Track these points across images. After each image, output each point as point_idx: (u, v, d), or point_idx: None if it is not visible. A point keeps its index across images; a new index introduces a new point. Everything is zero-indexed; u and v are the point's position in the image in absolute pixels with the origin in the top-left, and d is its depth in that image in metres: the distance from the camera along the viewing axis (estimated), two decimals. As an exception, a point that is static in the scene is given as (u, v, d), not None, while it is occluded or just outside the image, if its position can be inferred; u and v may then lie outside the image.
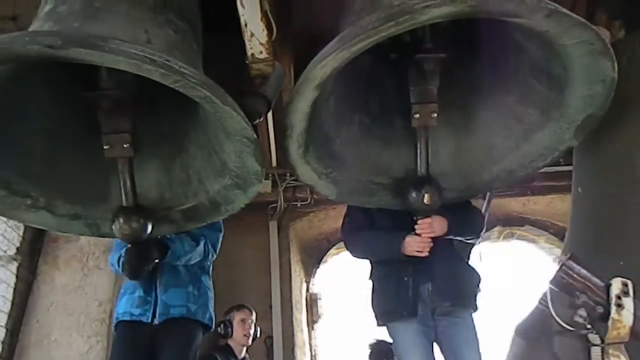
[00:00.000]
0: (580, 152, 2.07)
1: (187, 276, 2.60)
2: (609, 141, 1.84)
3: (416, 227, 2.18)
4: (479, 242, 2.67)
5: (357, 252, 2.56)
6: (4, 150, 1.61)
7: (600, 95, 1.56)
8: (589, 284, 1.73)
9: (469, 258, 2.82)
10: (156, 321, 2.50)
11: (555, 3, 1.34)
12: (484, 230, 2.62)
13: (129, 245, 1.91)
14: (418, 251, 2.27)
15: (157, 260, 2.29)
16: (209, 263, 2.73)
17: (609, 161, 1.94)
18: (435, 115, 1.72)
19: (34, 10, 1.63)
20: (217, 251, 2.71)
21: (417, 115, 1.72)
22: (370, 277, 2.56)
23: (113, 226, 1.74)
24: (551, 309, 1.79)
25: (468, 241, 2.51)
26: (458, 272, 2.44)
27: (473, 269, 2.55)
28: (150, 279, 2.51)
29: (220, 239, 2.72)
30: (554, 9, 1.29)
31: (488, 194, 4.08)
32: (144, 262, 2.08)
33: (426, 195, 1.76)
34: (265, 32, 1.69)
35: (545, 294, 2.20)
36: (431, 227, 2.20)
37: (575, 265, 1.76)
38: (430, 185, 1.77)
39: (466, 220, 2.41)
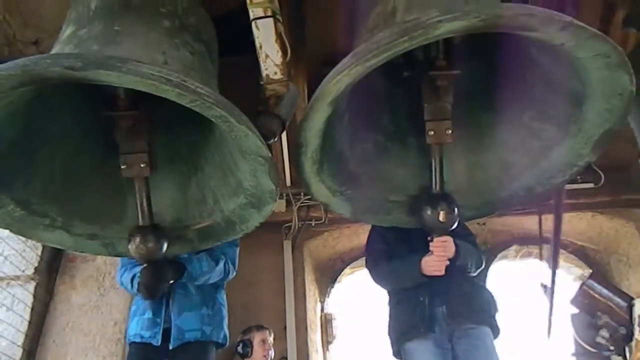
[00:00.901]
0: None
1: (199, 296, 2.59)
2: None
3: (432, 246, 2.20)
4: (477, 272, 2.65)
5: (383, 284, 2.64)
6: (26, 170, 1.64)
7: (618, 109, 1.53)
8: (610, 304, 1.69)
9: (484, 282, 2.84)
10: (171, 346, 2.49)
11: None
12: (482, 267, 2.65)
13: (145, 265, 1.91)
14: (436, 270, 2.30)
15: (172, 282, 2.29)
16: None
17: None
18: (450, 132, 1.71)
19: (55, 35, 1.67)
20: (237, 266, 2.71)
21: (432, 133, 1.71)
22: (389, 304, 2.61)
23: (129, 245, 1.74)
24: (572, 331, 1.75)
25: (468, 273, 2.53)
26: (469, 293, 2.46)
27: (485, 288, 2.60)
28: (160, 299, 2.51)
29: (238, 253, 2.73)
30: (568, 22, 1.27)
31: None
32: (160, 282, 2.06)
33: (441, 213, 1.73)
34: (280, 53, 1.72)
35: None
36: (446, 245, 2.22)
37: (596, 284, 1.72)
38: (446, 203, 1.74)
39: (470, 251, 2.47)
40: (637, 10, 2.20)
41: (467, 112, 1.86)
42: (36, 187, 1.69)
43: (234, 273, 2.68)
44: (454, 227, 1.81)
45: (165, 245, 1.78)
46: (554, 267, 3.39)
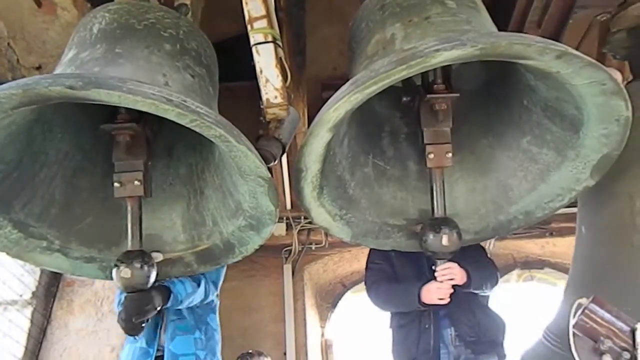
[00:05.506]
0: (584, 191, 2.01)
1: (192, 320, 2.50)
2: (612, 183, 1.77)
3: (436, 273, 2.08)
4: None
5: (379, 306, 2.58)
6: (25, 192, 1.64)
7: (615, 134, 1.55)
8: (613, 329, 1.65)
9: (487, 302, 2.79)
10: None
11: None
12: (497, 284, 2.60)
13: (127, 294, 1.72)
14: (440, 299, 2.19)
15: (158, 309, 2.05)
16: (214, 302, 2.63)
17: (611, 204, 1.85)
18: (450, 155, 1.70)
19: (58, 60, 1.69)
20: (219, 288, 2.59)
21: (432, 156, 1.70)
22: (390, 326, 2.56)
23: (113, 272, 1.62)
24: (575, 356, 1.71)
25: (483, 294, 2.48)
26: (481, 319, 2.39)
27: (497, 315, 2.50)
28: (154, 327, 2.44)
29: (223, 274, 2.59)
30: (564, 50, 1.30)
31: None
32: (143, 312, 1.81)
33: (444, 237, 1.70)
34: (280, 78, 1.74)
35: (548, 328, 2.13)
36: (452, 272, 2.12)
37: (598, 308, 1.69)
38: (449, 227, 1.71)
39: (485, 274, 2.40)
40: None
41: (465, 137, 1.87)
42: (35, 209, 1.68)
43: (215, 293, 2.54)
44: (455, 250, 1.74)
45: (153, 274, 1.66)
46: None
